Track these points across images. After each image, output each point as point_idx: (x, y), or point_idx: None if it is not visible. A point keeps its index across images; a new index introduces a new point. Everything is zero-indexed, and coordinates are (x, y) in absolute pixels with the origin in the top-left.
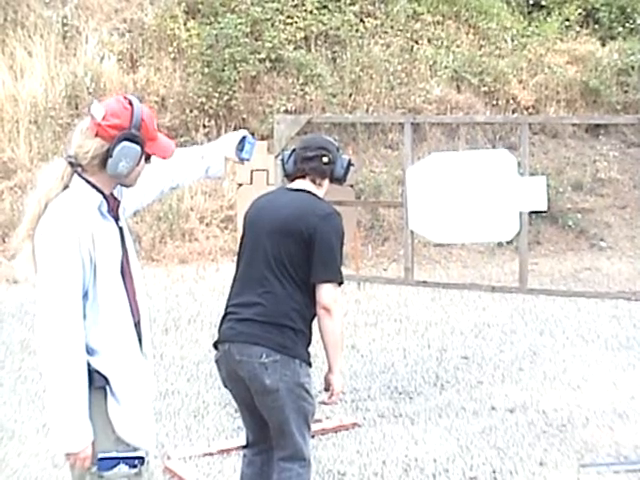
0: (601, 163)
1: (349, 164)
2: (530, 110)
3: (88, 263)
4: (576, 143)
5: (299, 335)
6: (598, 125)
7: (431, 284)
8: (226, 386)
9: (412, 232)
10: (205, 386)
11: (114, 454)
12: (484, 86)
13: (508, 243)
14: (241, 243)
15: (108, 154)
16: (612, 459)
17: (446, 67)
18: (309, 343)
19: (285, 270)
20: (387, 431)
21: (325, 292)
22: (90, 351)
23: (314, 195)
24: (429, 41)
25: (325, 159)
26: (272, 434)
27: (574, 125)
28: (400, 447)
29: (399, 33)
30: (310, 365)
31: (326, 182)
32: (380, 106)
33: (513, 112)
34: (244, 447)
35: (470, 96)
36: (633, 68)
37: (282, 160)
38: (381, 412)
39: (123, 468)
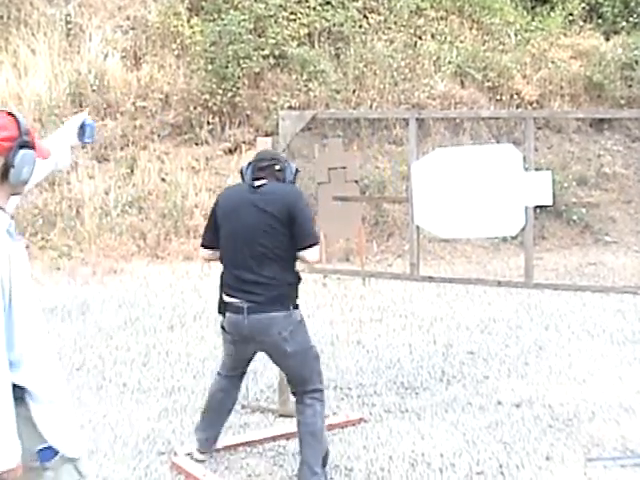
0: (605, 158)
1: (296, 170)
2: (534, 105)
3: (7, 286)
4: (580, 138)
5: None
6: (602, 120)
7: (437, 279)
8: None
9: (418, 227)
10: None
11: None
12: (488, 81)
13: (513, 238)
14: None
15: (6, 167)
16: (619, 453)
17: (450, 62)
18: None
19: (276, 252)
20: (393, 426)
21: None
22: (10, 367)
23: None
24: (432, 36)
25: (277, 167)
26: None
27: (578, 120)
28: (407, 442)
29: (402, 29)
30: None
31: None
32: (384, 102)
33: (517, 107)
34: (219, 373)
35: (474, 91)
36: (637, 62)
37: (241, 172)
38: (387, 407)
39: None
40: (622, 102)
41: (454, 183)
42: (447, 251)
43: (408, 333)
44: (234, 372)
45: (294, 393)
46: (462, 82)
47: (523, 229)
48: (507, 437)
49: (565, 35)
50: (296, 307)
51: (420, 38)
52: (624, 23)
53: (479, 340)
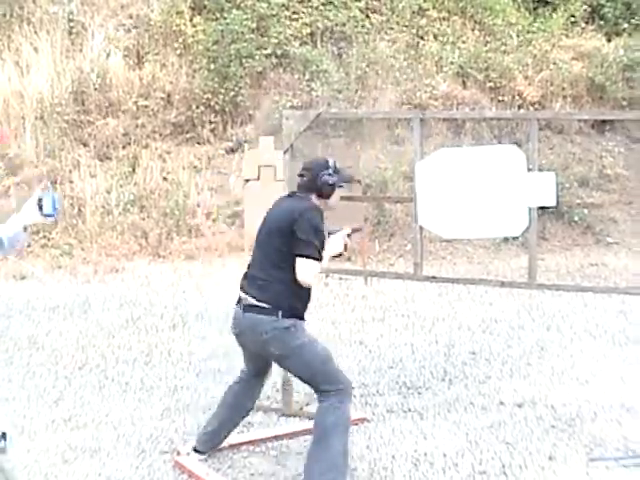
0: (607, 159)
1: (330, 183)
2: (536, 106)
3: None
4: (582, 139)
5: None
6: (604, 121)
7: (440, 279)
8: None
9: (421, 227)
10: (214, 381)
11: None
12: (490, 82)
13: (514, 239)
14: None
15: None
16: (621, 454)
17: (452, 63)
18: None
19: (277, 258)
20: (396, 426)
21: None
22: None
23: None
24: (435, 37)
25: (305, 178)
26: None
27: (580, 121)
28: (409, 442)
29: (405, 29)
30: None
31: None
32: (386, 102)
33: (519, 108)
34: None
35: (476, 92)
36: (639, 64)
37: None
38: (390, 407)
39: None
40: (624, 103)
41: (458, 183)
42: (449, 251)
43: (410, 333)
44: (248, 371)
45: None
46: (464, 83)
47: (526, 230)
48: (510, 437)
49: (567, 36)
50: (288, 315)
51: (422, 38)
52: (626, 25)
53: (481, 340)
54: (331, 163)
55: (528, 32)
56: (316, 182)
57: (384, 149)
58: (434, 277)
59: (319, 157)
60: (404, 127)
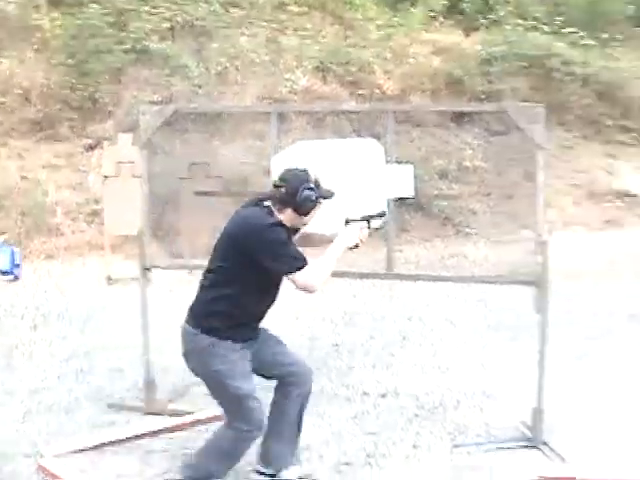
0: (466, 152)
1: (310, 198)
2: (396, 100)
3: None
4: (441, 132)
5: None
6: (463, 114)
7: None
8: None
9: None
10: (76, 382)
11: None
12: (350, 76)
13: (376, 230)
14: None
15: None
16: (482, 439)
17: (312, 57)
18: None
19: (217, 271)
20: None
21: None
22: None
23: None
24: (295, 31)
25: (282, 190)
26: None
27: (439, 114)
28: None
29: (265, 23)
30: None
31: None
32: (247, 97)
33: (379, 102)
34: None
35: (336, 87)
36: (496, 58)
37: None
38: None
39: None
40: (482, 97)
41: (315, 177)
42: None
43: (273, 326)
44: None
45: None
46: (324, 77)
47: (385, 221)
48: (374, 427)
49: (426, 31)
50: (205, 332)
51: (283, 33)
52: (483, 20)
53: (344, 332)
54: (312, 176)
55: (388, 27)
56: (296, 197)
57: (245, 144)
58: None
59: (297, 168)
60: (265, 122)
